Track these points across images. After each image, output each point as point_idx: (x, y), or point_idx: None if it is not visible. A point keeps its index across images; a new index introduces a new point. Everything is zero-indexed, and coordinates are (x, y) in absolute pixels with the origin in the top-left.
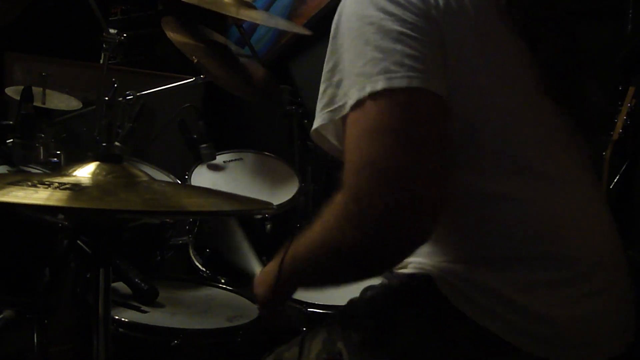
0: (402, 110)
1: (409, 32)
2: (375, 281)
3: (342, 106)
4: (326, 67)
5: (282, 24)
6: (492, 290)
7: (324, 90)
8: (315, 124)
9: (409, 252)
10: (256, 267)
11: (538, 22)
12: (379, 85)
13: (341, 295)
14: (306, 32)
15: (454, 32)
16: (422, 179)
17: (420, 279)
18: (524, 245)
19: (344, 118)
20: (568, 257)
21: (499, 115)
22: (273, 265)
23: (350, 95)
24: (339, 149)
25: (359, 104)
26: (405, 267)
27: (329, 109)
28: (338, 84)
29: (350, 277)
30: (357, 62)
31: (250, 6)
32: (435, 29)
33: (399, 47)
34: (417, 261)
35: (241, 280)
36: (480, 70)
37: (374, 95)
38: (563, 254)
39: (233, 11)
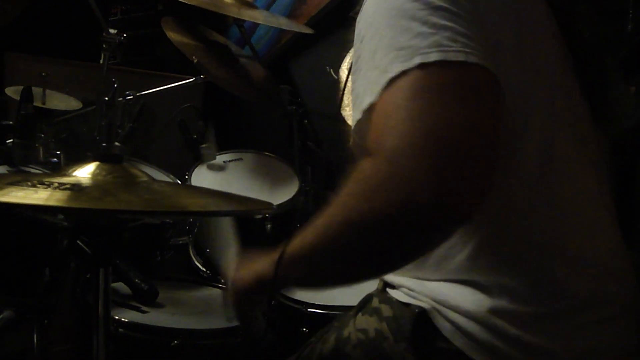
0: (455, 78)
1: (456, 10)
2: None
3: (379, 83)
4: (367, 53)
5: (284, 23)
6: (489, 324)
7: (367, 76)
8: (358, 115)
9: (448, 224)
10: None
11: (575, 12)
12: (432, 57)
13: (341, 295)
14: (308, 30)
15: (493, 17)
16: (474, 146)
17: (413, 311)
18: (524, 273)
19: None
20: (571, 286)
21: (525, 110)
22: (265, 261)
23: (391, 69)
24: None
25: (403, 74)
26: (396, 287)
27: (370, 91)
28: (378, 65)
29: (372, 260)
30: (402, 37)
31: (251, 6)
32: (477, 9)
33: (449, 24)
34: (408, 285)
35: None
36: (516, 65)
37: (423, 66)
38: (567, 282)
39: (234, 11)
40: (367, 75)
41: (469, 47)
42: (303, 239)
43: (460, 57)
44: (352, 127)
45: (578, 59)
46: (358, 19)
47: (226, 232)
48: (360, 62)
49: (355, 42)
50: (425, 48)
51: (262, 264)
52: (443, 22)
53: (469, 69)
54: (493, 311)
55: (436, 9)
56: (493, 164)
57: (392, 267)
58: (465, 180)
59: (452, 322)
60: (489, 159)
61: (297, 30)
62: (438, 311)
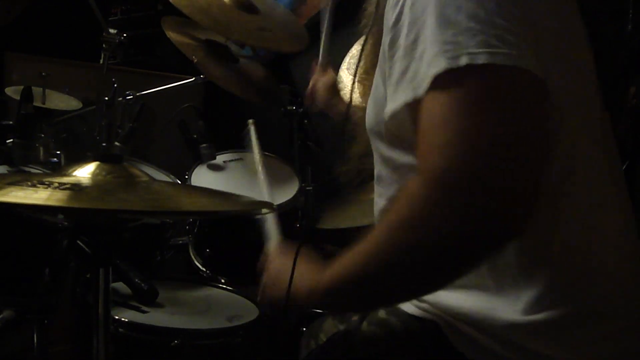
0: (505, 88)
1: (505, 4)
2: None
3: (424, 79)
4: (406, 40)
5: (278, 45)
6: (506, 339)
7: (407, 66)
8: (394, 105)
9: (503, 245)
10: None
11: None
12: (481, 59)
13: None
14: (304, 44)
15: (536, 13)
16: (526, 162)
17: (426, 326)
18: (544, 282)
19: (425, 93)
20: (592, 294)
21: (556, 115)
22: (313, 280)
23: (436, 64)
24: (410, 137)
25: (449, 75)
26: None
27: (412, 85)
28: (420, 57)
29: (425, 283)
30: (447, 31)
31: (252, 8)
32: (521, 3)
33: (497, 20)
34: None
35: (241, 280)
36: (554, 66)
37: (471, 69)
38: (588, 291)
39: (229, 29)
40: (408, 66)
41: (516, 47)
42: (352, 262)
43: (509, 62)
44: (386, 115)
45: (601, 62)
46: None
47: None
48: (397, 48)
49: (388, 23)
50: (474, 47)
51: (311, 281)
52: (490, 17)
53: (517, 74)
54: (510, 326)
55: (483, 1)
56: (542, 173)
57: (445, 286)
58: (521, 200)
59: (468, 337)
60: (539, 171)
61: (289, 50)
62: (452, 325)
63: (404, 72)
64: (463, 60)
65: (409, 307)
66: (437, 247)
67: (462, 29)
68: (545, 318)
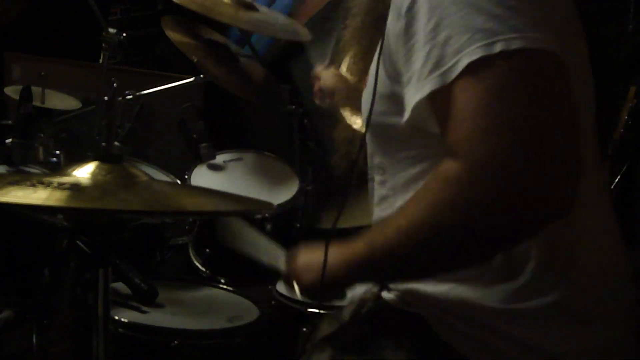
0: (540, 72)
1: None
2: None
3: (453, 66)
4: (426, 27)
5: (278, 31)
6: (491, 326)
7: (428, 52)
8: (421, 94)
9: (544, 226)
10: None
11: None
12: (514, 44)
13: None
14: (305, 37)
15: (550, 5)
16: (565, 144)
17: (412, 318)
18: (526, 269)
19: (453, 80)
20: (573, 282)
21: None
22: (339, 252)
23: (470, 52)
24: (431, 127)
25: (483, 62)
26: (391, 290)
27: (438, 72)
28: (445, 43)
29: (463, 261)
30: (476, 18)
31: (250, 7)
32: None
33: (525, 6)
34: (403, 289)
35: (241, 280)
36: (572, 59)
37: (504, 54)
38: (569, 278)
39: (227, 16)
40: (430, 52)
41: (543, 32)
42: (384, 237)
43: (540, 45)
44: (410, 106)
45: (601, 62)
46: None
47: (246, 231)
48: (413, 34)
49: (399, 9)
50: (507, 33)
51: (344, 255)
52: (518, 3)
53: (546, 57)
54: (493, 314)
55: None
56: (580, 152)
57: (477, 264)
58: (563, 183)
59: (451, 327)
60: (578, 156)
61: (291, 38)
62: (436, 316)
63: (426, 59)
64: (498, 47)
65: (396, 301)
66: (477, 228)
67: (492, 16)
68: (528, 307)
